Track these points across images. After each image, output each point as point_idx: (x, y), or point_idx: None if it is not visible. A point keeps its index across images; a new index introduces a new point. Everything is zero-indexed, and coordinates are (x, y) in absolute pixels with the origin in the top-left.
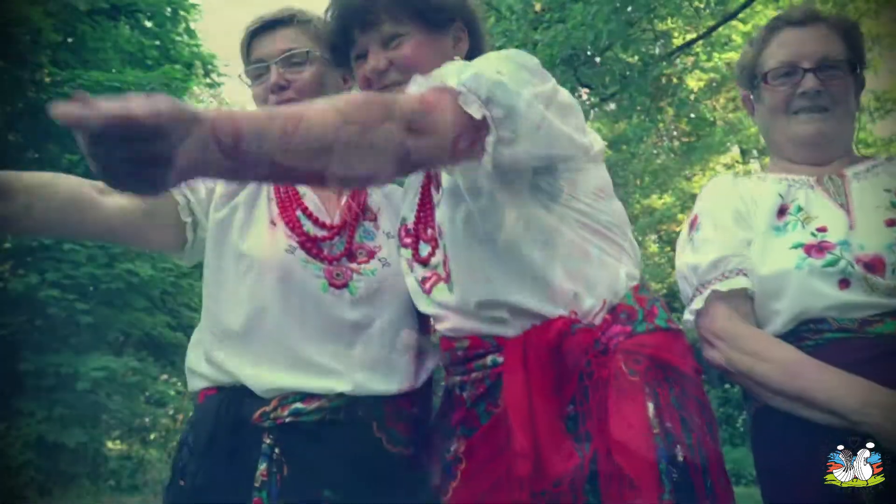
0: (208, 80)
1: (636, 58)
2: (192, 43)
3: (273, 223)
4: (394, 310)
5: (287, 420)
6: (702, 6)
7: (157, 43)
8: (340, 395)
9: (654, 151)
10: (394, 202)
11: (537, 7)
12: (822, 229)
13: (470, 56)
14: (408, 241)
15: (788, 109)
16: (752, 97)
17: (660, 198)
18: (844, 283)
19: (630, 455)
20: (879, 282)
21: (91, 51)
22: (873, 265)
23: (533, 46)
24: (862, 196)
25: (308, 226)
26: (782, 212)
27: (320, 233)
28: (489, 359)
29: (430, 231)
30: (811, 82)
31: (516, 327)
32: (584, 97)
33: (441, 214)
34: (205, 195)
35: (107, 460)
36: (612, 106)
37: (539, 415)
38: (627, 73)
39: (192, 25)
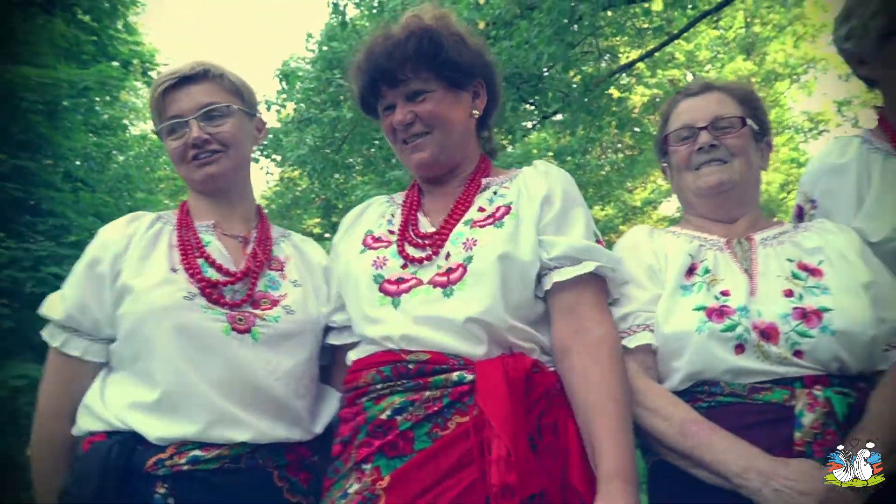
0: (146, 79)
1: (578, 77)
2: (131, 39)
3: (174, 270)
4: (297, 357)
5: (184, 468)
6: (645, 26)
7: (94, 38)
8: (242, 442)
9: (598, 163)
10: (305, 253)
11: (481, 24)
12: (726, 293)
13: (488, 109)
14: (377, 245)
15: (690, 166)
16: (665, 165)
17: (602, 209)
18: (740, 348)
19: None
20: (772, 350)
21: (22, 44)
22: (768, 333)
23: None
24: (766, 263)
25: (210, 272)
26: (691, 271)
27: (222, 279)
28: (455, 375)
29: (431, 239)
30: (705, 137)
31: (487, 353)
32: (529, 108)
33: (492, 236)
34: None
35: (24, 470)
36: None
37: (517, 432)
38: (569, 92)
39: (133, 20)
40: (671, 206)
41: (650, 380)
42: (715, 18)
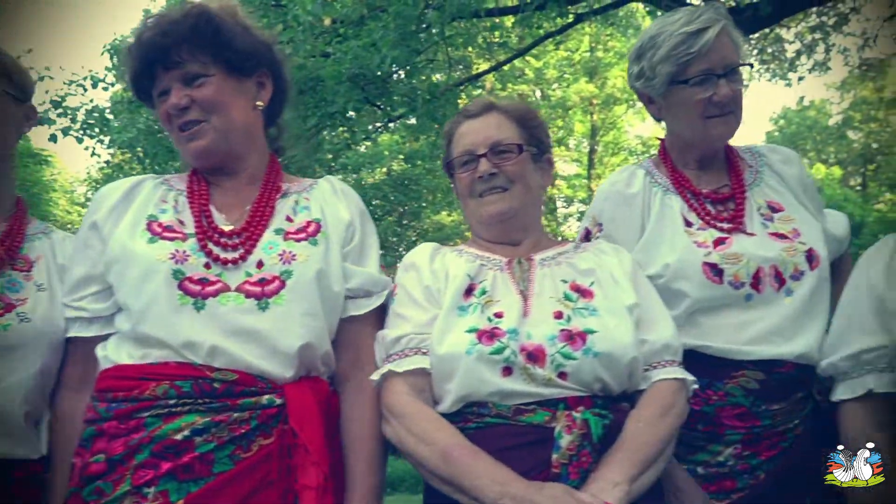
0: None
1: (425, 83)
2: None
3: None
4: (28, 369)
5: None
6: (495, 40)
7: None
8: None
9: None
10: (59, 254)
11: (327, 21)
12: (500, 315)
13: (275, 104)
14: (170, 235)
15: (473, 193)
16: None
17: (449, 215)
18: (507, 370)
19: None
20: (538, 372)
21: None
22: (535, 355)
23: (324, 58)
24: (542, 284)
25: None
26: (469, 292)
27: None
28: (265, 398)
29: (239, 238)
30: (485, 166)
31: (294, 376)
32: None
33: (309, 253)
34: None
35: None
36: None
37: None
38: (415, 97)
39: None
40: None
41: (421, 403)
42: (558, 40)
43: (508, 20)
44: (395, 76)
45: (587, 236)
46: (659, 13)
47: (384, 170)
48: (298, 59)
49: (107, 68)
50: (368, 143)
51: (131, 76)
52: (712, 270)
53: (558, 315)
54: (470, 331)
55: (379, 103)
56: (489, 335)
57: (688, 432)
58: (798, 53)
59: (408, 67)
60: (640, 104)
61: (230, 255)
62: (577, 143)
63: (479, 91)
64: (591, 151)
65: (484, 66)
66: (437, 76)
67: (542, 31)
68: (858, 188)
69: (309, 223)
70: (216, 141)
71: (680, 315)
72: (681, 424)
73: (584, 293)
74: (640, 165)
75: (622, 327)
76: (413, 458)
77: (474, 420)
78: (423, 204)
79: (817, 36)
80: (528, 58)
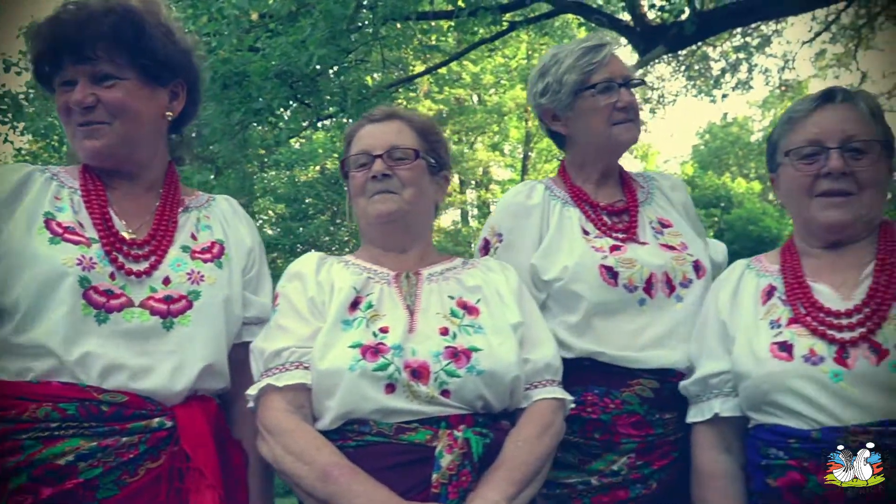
0: None
1: (355, 84)
2: None
3: None
4: None
5: None
6: (431, 43)
7: None
8: None
9: None
10: None
11: (254, 16)
12: (385, 330)
13: (185, 113)
14: (74, 238)
15: (365, 192)
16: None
17: None
18: (390, 388)
19: None
20: (421, 390)
21: None
22: (419, 372)
23: (252, 53)
24: (429, 299)
25: None
26: (355, 305)
27: None
28: (156, 422)
29: (143, 250)
30: (379, 166)
31: (185, 398)
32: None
33: (217, 276)
34: None
35: None
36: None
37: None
38: (345, 97)
39: None
40: (447, 219)
41: (300, 420)
42: (492, 46)
43: (446, 24)
44: (324, 75)
45: (486, 247)
46: (593, 25)
47: (317, 168)
48: (224, 52)
49: (21, 52)
50: (303, 141)
51: (34, 57)
52: (608, 273)
53: (444, 331)
54: (354, 346)
55: (308, 101)
56: (374, 351)
57: (584, 441)
58: (723, 72)
59: (336, 67)
60: None
61: (136, 267)
62: (512, 149)
63: (413, 94)
64: (525, 157)
65: (420, 69)
66: (375, 76)
67: (477, 37)
68: (777, 203)
69: (213, 244)
70: (115, 146)
71: (579, 321)
72: (558, 443)
73: (470, 310)
74: (539, 181)
75: (506, 346)
76: (290, 478)
77: (354, 438)
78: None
79: (741, 56)
80: (465, 62)
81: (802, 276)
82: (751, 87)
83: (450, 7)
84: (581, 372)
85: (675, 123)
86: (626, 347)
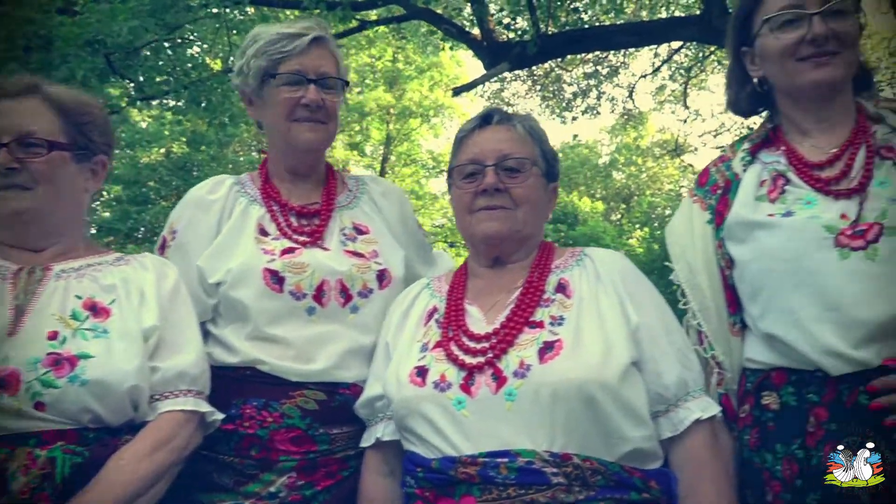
0: None
1: (183, 64)
2: None
3: None
4: None
5: None
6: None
7: None
8: None
9: (237, 159)
10: None
11: None
12: None
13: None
14: None
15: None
16: None
17: None
18: None
19: None
20: (6, 402)
21: None
22: (7, 382)
23: (67, 16)
24: (50, 298)
25: None
26: None
27: None
28: None
29: None
30: (5, 157)
31: None
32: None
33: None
34: None
35: None
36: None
37: None
38: (174, 78)
39: None
40: None
41: None
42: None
43: (291, 13)
44: (148, 51)
45: (163, 245)
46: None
47: (162, 150)
48: (30, 12)
49: None
50: (150, 120)
51: None
52: (272, 277)
53: (53, 336)
54: None
55: (129, 76)
56: None
57: (239, 460)
58: (574, 95)
59: (159, 44)
60: (434, 119)
61: None
62: (374, 150)
63: None
64: (384, 160)
65: None
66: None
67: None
68: (618, 223)
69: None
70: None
71: (249, 328)
72: (179, 460)
73: (98, 312)
74: (234, 176)
75: (128, 352)
76: None
77: None
78: None
79: (592, 82)
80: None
81: (461, 298)
82: (598, 113)
83: None
84: (241, 383)
85: None
86: (288, 357)
